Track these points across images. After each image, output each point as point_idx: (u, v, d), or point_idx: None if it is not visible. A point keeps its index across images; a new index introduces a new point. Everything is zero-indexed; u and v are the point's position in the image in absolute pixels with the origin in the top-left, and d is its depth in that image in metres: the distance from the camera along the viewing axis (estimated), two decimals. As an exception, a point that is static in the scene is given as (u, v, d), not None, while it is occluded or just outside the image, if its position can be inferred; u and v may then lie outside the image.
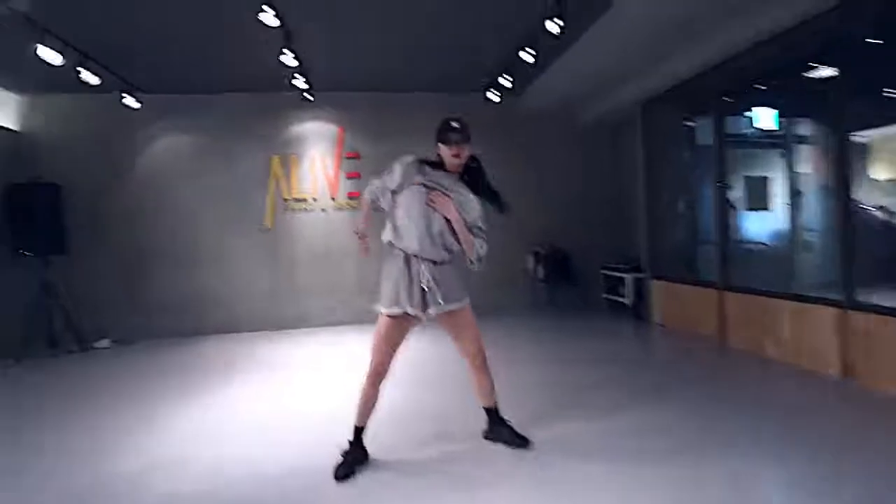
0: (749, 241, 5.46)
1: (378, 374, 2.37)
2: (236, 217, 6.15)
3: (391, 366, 2.39)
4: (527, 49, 4.52)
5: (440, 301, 2.30)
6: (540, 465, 2.36)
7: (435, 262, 2.34)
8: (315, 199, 6.36)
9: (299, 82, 5.32)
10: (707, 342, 4.61)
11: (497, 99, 5.89)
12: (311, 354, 4.85)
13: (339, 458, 2.34)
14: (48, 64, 4.11)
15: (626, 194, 6.81)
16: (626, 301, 5.97)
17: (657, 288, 5.62)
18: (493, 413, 2.60)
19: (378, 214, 2.46)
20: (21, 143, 5.63)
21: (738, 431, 2.64)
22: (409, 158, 2.39)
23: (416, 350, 3.84)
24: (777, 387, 3.40)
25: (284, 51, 4.47)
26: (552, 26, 3.91)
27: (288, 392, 3.64)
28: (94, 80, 4.70)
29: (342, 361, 4.43)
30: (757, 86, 4.86)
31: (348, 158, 6.43)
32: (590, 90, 5.90)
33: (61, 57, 4.15)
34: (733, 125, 5.20)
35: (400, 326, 2.35)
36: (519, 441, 2.55)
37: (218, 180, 6.10)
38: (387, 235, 2.37)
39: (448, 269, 2.38)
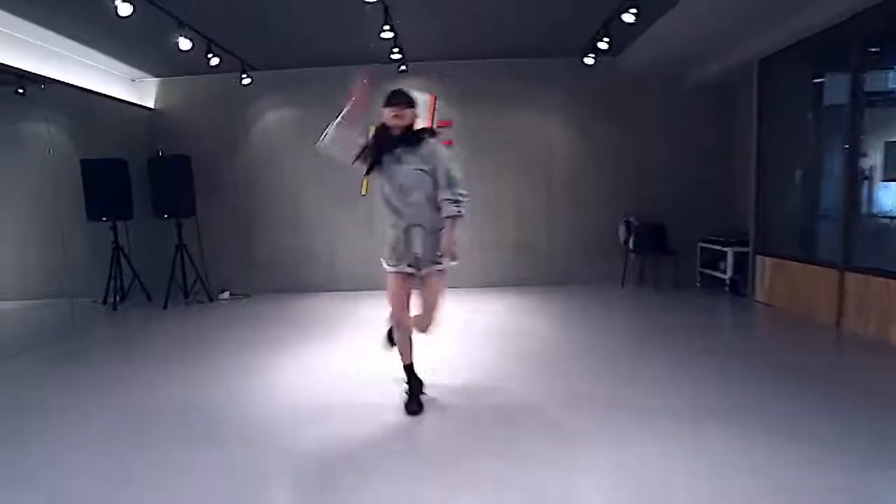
0: (887, 216, 4.78)
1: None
2: (336, 183, 6.52)
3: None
4: (630, 10, 4.25)
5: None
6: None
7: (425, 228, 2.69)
8: (407, 167, 6.59)
9: (396, 55, 5.52)
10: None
11: (591, 62, 5.62)
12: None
13: (406, 397, 2.71)
14: (180, 50, 4.63)
15: (732, 164, 6.25)
16: (725, 276, 5.61)
17: (762, 264, 5.20)
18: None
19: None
20: (157, 119, 6.48)
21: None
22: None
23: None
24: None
25: (383, 26, 4.63)
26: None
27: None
28: (215, 60, 5.22)
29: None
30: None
31: (440, 127, 6.54)
32: (698, 49, 5.39)
33: (190, 43, 4.65)
34: (877, 82, 4.47)
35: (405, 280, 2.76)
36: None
37: (319, 150, 6.53)
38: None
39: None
